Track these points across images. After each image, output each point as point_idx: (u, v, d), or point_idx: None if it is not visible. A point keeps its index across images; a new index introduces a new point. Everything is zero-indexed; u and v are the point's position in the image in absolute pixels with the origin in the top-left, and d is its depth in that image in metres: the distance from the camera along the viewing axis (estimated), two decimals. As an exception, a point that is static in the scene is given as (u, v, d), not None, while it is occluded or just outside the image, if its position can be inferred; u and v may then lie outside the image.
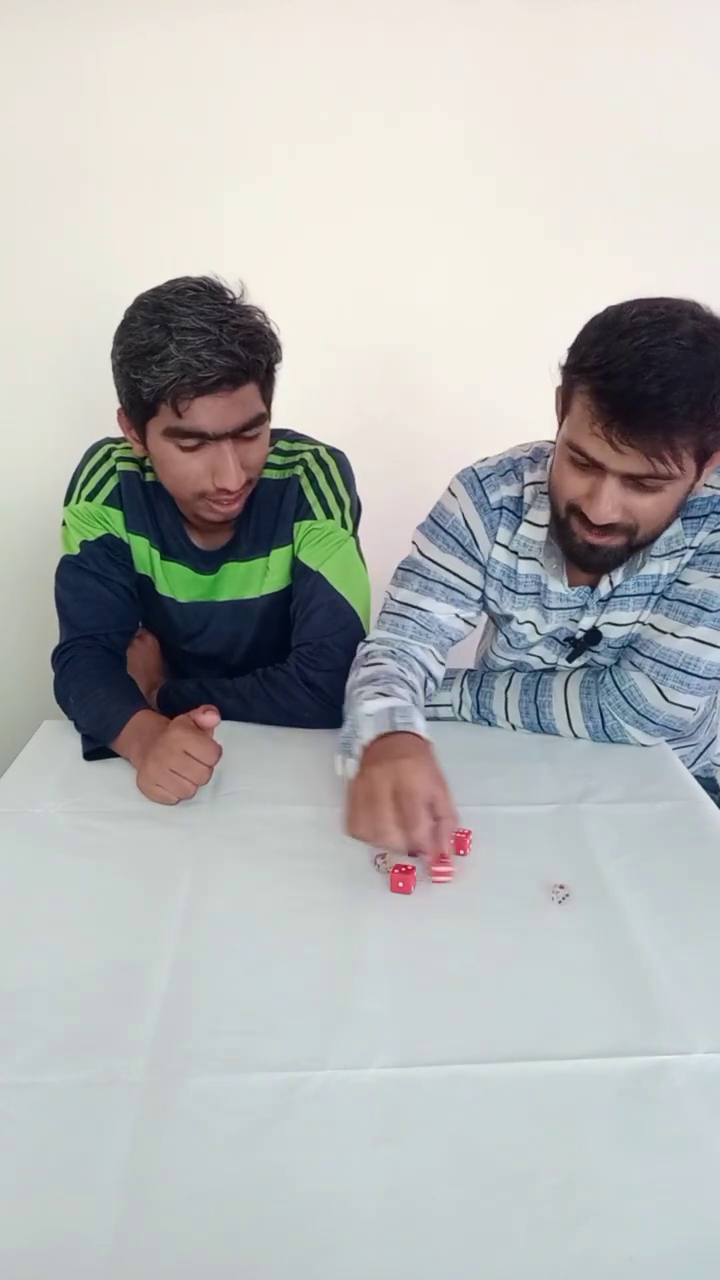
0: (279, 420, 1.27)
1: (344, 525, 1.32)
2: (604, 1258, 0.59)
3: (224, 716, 1.17)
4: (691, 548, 1.15)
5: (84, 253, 1.89)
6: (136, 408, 1.16)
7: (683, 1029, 0.76)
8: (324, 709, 1.26)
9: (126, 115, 1.81)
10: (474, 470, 1.24)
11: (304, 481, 1.31)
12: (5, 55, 1.78)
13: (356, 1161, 0.65)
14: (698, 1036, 0.75)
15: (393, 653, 1.22)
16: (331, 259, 1.91)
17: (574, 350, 1.03)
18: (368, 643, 1.26)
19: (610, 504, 1.04)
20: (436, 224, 1.90)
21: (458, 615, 1.26)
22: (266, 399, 1.20)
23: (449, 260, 1.93)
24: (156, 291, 1.14)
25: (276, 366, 1.19)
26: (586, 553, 1.11)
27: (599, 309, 1.05)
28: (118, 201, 1.86)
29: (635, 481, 1.02)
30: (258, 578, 1.35)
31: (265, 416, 1.20)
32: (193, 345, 1.08)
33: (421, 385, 2.03)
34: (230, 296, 1.15)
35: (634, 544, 1.09)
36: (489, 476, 1.23)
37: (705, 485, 1.13)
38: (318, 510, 1.31)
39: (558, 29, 1.78)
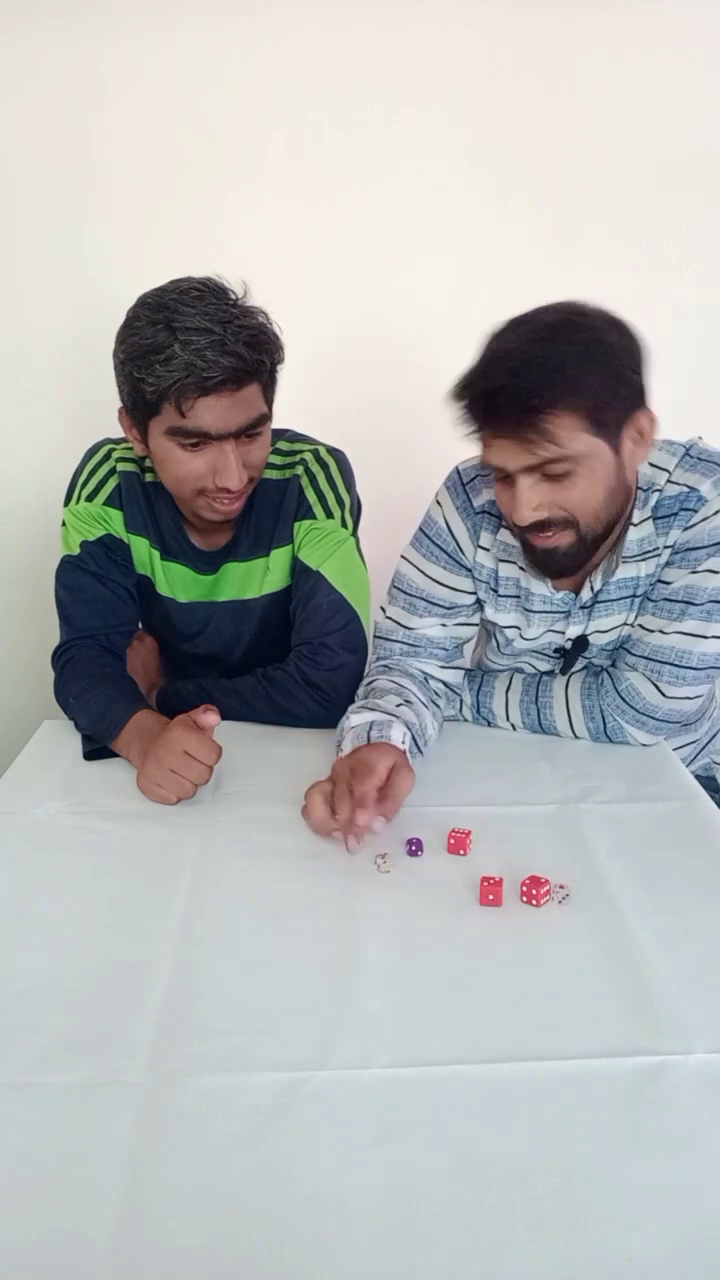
0: (280, 420, 1.27)
1: (344, 525, 1.32)
2: (604, 1258, 0.59)
3: (224, 716, 1.17)
4: (668, 547, 1.15)
5: (84, 253, 1.89)
6: (139, 407, 1.16)
7: (683, 1029, 0.76)
8: (324, 708, 1.26)
9: (126, 115, 1.81)
10: (459, 472, 1.26)
11: (304, 481, 1.31)
12: (5, 55, 1.78)
13: (356, 1161, 0.65)
14: (698, 1036, 0.75)
15: (386, 667, 1.26)
16: (332, 259, 1.91)
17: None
18: (372, 660, 1.30)
19: (528, 504, 1.06)
20: (437, 223, 1.90)
21: (443, 625, 1.27)
22: (269, 399, 1.20)
23: (450, 260, 1.92)
24: (160, 291, 1.14)
25: (279, 367, 1.19)
26: (545, 560, 1.13)
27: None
28: (118, 202, 1.86)
29: (541, 473, 1.04)
30: (258, 578, 1.35)
31: (267, 417, 1.20)
32: (197, 345, 1.08)
33: (423, 385, 2.01)
34: (233, 297, 1.15)
35: (584, 535, 1.10)
36: (473, 480, 1.24)
37: (671, 483, 1.14)
38: (318, 510, 1.31)
39: (558, 29, 1.78)
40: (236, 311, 1.13)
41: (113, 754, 1.20)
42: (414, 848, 1.00)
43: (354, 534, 1.35)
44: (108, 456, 1.34)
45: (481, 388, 1.01)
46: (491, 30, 1.78)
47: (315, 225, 1.89)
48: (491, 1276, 0.58)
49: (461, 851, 1.00)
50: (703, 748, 1.41)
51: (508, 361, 1.00)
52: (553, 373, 0.98)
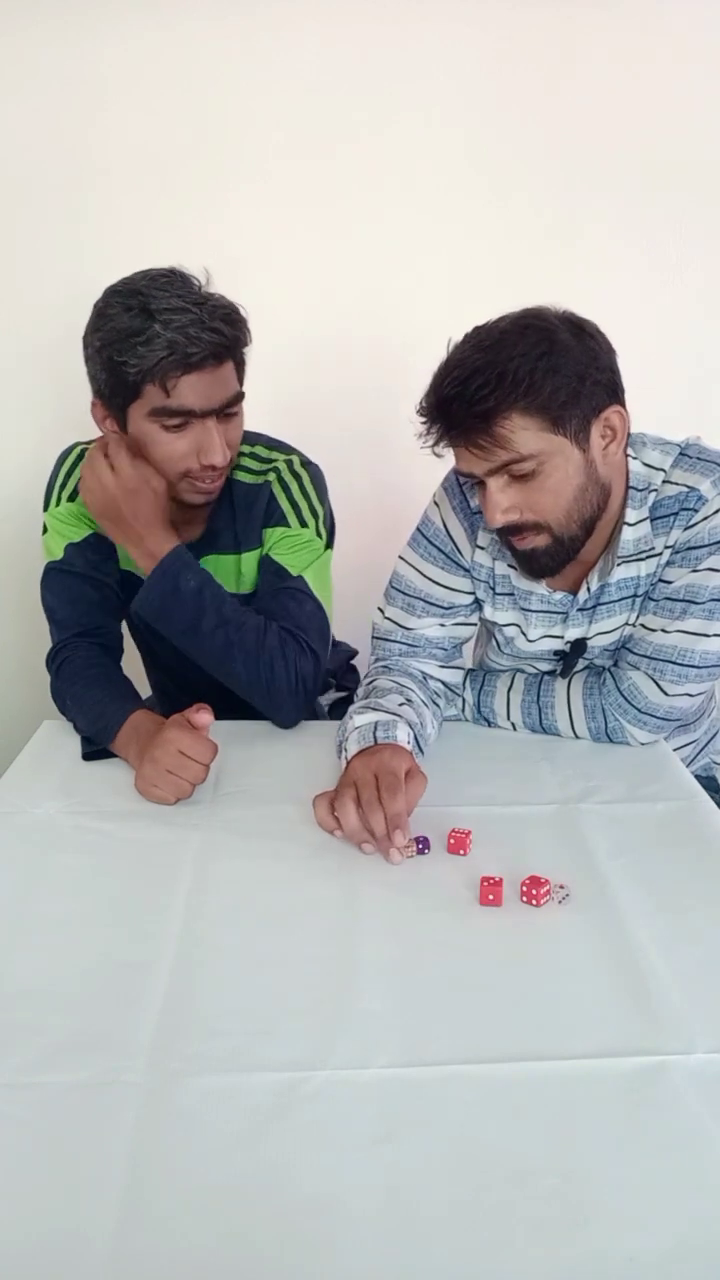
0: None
1: (319, 535, 1.32)
2: (604, 1257, 0.59)
3: (202, 646, 1.20)
4: (669, 547, 1.16)
5: (82, 253, 1.88)
6: (118, 393, 1.17)
7: (683, 1029, 0.76)
8: (296, 690, 1.24)
9: (126, 116, 1.81)
10: (456, 473, 1.25)
11: (276, 489, 1.32)
12: (5, 55, 1.78)
13: (356, 1161, 0.65)
14: (698, 1036, 0.75)
15: (386, 667, 1.27)
16: (332, 258, 1.90)
17: None
18: (371, 660, 1.30)
19: (497, 507, 1.08)
20: (437, 223, 1.90)
21: (442, 625, 1.27)
22: (241, 378, 1.22)
23: (450, 260, 1.92)
24: (127, 280, 1.17)
25: (247, 350, 1.21)
26: (528, 561, 1.14)
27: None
28: (117, 202, 1.85)
29: (507, 476, 1.06)
30: (231, 577, 1.35)
31: (242, 395, 1.22)
32: (179, 323, 1.11)
33: (423, 385, 2.02)
34: (197, 284, 1.17)
35: (559, 536, 1.11)
36: None
37: (669, 483, 1.14)
38: (291, 519, 1.31)
39: (558, 29, 1.78)
40: (206, 294, 1.16)
41: (112, 754, 1.20)
42: (421, 846, 1.00)
43: (328, 547, 1.34)
44: (81, 456, 1.35)
45: (434, 400, 1.05)
46: (491, 30, 1.78)
47: (315, 225, 1.88)
48: (491, 1276, 0.58)
49: (461, 851, 1.00)
50: (702, 748, 1.41)
51: (458, 371, 1.03)
52: (500, 378, 1.00)
